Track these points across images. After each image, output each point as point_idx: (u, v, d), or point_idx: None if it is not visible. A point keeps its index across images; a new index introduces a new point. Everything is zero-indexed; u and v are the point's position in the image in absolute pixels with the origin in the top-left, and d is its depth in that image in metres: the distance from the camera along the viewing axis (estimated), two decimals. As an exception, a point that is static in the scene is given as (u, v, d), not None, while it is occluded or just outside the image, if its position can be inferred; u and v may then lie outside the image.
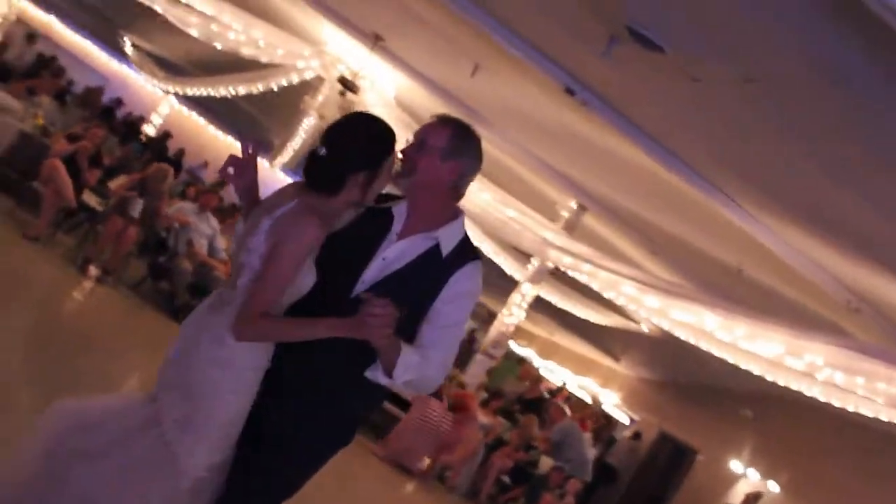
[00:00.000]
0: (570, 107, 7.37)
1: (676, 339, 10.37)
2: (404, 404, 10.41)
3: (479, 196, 9.82)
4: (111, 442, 2.83)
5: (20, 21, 23.06)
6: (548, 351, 24.88)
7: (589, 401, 21.86)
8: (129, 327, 9.43)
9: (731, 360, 7.75)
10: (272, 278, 2.85)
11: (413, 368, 3.00)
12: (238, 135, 23.04)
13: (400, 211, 3.18)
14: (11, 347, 6.72)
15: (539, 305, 17.41)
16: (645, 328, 14.99)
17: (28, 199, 10.51)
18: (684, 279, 10.19)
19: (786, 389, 8.20)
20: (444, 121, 3.20)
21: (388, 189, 3.29)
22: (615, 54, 5.04)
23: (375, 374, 3.02)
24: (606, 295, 9.70)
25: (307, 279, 2.92)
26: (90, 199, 10.83)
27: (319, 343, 2.91)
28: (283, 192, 3.03)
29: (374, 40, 10.31)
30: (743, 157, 5.95)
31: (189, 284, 10.73)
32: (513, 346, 24.76)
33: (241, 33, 11.17)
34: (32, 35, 20.24)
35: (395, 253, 3.10)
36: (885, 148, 4.56)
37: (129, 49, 20.00)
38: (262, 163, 3.32)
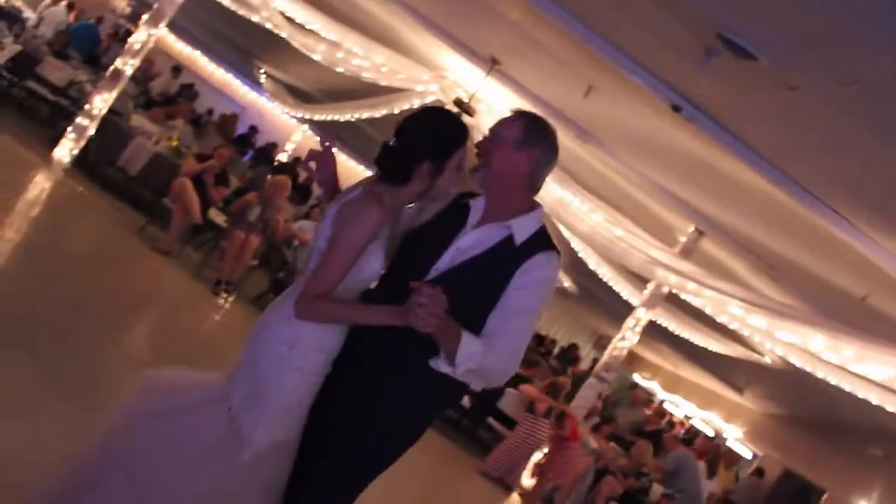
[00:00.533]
0: (679, 125, 7.32)
1: (800, 371, 10.06)
2: (510, 423, 10.45)
3: (589, 217, 9.81)
4: (183, 408, 3.01)
5: (167, 55, 24.45)
6: (672, 384, 24.42)
7: (711, 434, 21.34)
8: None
9: (847, 388, 7.46)
10: (332, 260, 2.98)
11: (477, 356, 2.97)
12: (319, 131, 23.46)
13: (477, 204, 3.26)
14: (138, 349, 7.16)
15: (660, 335, 17.16)
16: (768, 359, 14.55)
17: (159, 216, 11.13)
18: (804, 304, 9.90)
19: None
20: (516, 113, 3.30)
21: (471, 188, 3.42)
22: (713, 66, 5.02)
23: (437, 363, 3.03)
24: (719, 319, 9.52)
25: (373, 265, 3.05)
26: (216, 216, 11.37)
27: (388, 334, 2.97)
28: (358, 183, 3.18)
29: (491, 64, 10.49)
30: (851, 170, 5.79)
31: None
32: (636, 378, 24.45)
33: (363, 59, 11.55)
34: (177, 67, 21.37)
35: (468, 242, 3.15)
36: None
37: (263, 79, 20.86)
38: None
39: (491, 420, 11.94)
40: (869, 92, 4.25)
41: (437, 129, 3.15)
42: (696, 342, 14.89)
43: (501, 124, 3.26)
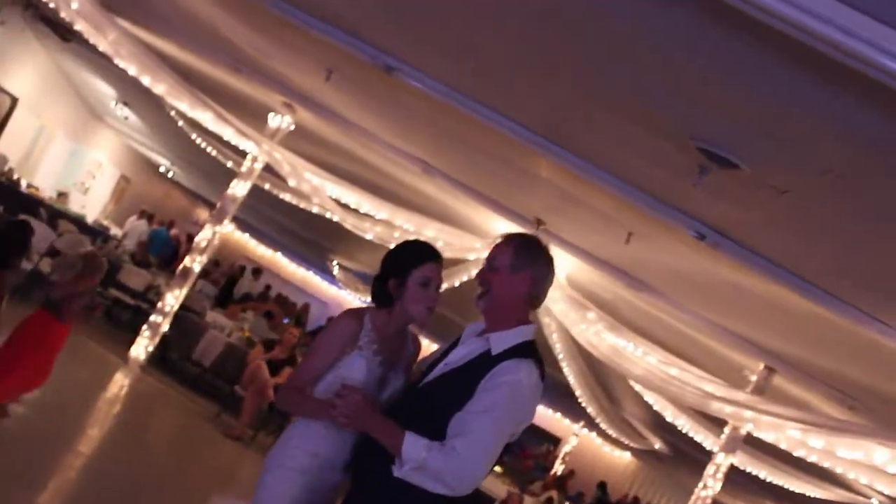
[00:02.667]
0: (710, 255, 7.41)
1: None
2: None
3: (643, 360, 9.78)
4: None
5: (249, 258, 25.64)
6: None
7: None
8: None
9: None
10: (307, 358, 3.40)
11: (421, 452, 2.98)
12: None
13: (471, 328, 3.41)
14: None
15: (756, 486, 16.44)
16: (875, 502, 13.78)
17: (231, 404, 11.48)
18: (887, 428, 9.52)
19: None
20: (507, 239, 3.42)
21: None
22: (710, 183, 5.18)
23: (394, 469, 3.03)
24: (795, 453, 9.20)
25: (356, 374, 3.27)
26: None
27: (372, 447, 3.13)
28: None
29: (537, 224, 10.80)
30: (867, 266, 5.77)
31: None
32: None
33: (416, 234, 12.01)
34: (257, 270, 22.39)
35: (454, 357, 3.29)
36: None
37: (336, 270, 21.64)
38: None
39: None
40: (851, 179, 4.35)
41: (398, 249, 3.47)
42: (790, 488, 14.24)
43: (495, 251, 3.39)
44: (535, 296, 3.35)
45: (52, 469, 6.59)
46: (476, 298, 3.36)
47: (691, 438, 14.07)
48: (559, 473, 20.73)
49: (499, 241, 3.44)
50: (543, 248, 3.42)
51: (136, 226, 18.28)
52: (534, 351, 3.28)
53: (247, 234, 27.12)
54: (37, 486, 5.98)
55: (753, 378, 10.84)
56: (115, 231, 18.91)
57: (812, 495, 14.28)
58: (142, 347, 11.52)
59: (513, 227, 11.32)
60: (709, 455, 13.83)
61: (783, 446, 9.43)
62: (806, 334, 9.18)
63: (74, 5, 9.07)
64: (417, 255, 3.41)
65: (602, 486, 21.40)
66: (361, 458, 3.25)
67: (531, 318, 3.40)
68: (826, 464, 9.38)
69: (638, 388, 12.41)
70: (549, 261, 3.40)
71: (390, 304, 3.39)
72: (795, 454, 9.40)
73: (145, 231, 17.96)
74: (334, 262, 21.51)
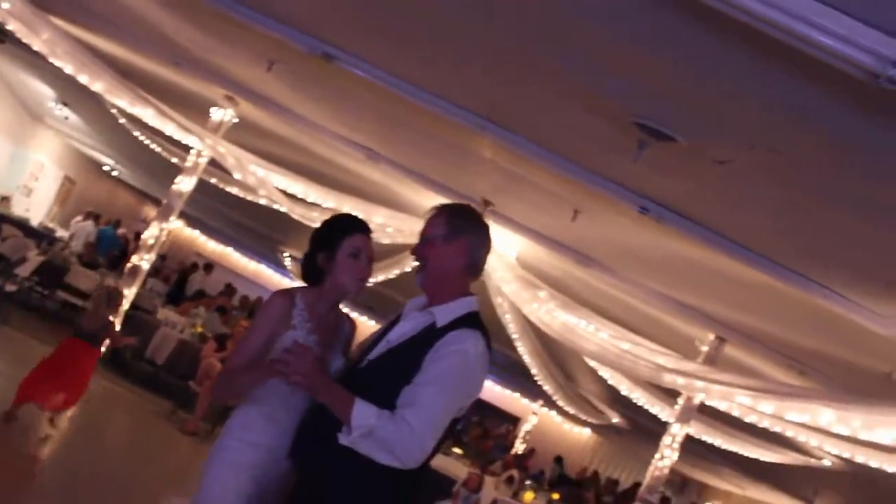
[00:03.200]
0: (654, 227, 7.52)
1: (862, 469, 9.79)
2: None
3: (596, 335, 9.90)
4: None
5: (199, 254, 25.42)
6: (744, 509, 23.57)
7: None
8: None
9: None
10: (239, 344, 3.34)
11: (370, 419, 2.93)
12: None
13: (412, 303, 3.35)
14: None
15: (715, 455, 16.74)
16: (827, 462, 14.11)
17: (186, 400, 11.43)
18: (834, 390, 9.76)
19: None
20: (438, 210, 3.37)
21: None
22: (649, 157, 5.26)
23: (340, 436, 2.99)
24: (747, 419, 9.39)
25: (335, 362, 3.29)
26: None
27: (314, 427, 3.14)
28: None
29: (484, 205, 10.85)
30: (814, 236, 5.91)
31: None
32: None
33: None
34: (209, 265, 22.21)
35: (396, 333, 3.24)
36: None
37: (288, 262, 21.54)
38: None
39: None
40: (793, 158, 4.44)
41: (326, 223, 3.46)
42: (746, 454, 14.52)
43: (427, 225, 3.34)
44: (473, 265, 3.29)
45: (8, 475, 6.49)
46: (416, 274, 3.31)
47: (647, 411, 14.27)
48: (519, 452, 20.90)
49: (431, 213, 3.38)
50: (476, 214, 3.38)
51: (82, 227, 18.02)
52: (479, 322, 3.24)
53: (197, 231, 26.88)
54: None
55: (704, 348, 11.02)
56: (61, 233, 18.63)
57: (766, 460, 14.59)
58: (94, 349, 11.39)
59: (461, 210, 11.36)
60: (665, 426, 14.07)
61: (736, 413, 9.62)
62: (754, 303, 9.36)
63: (6, 5, 8.90)
64: (345, 227, 3.41)
65: (558, 459, 21.62)
66: (303, 441, 3.20)
67: (472, 290, 3.35)
68: (777, 428, 9.59)
69: (593, 363, 12.55)
70: (483, 227, 3.35)
71: (321, 281, 3.38)
72: (747, 420, 9.60)
73: (92, 231, 17.71)
74: (286, 254, 21.40)
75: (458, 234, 3.25)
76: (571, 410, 20.42)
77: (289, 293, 3.38)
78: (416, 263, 3.33)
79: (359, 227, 3.42)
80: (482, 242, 3.33)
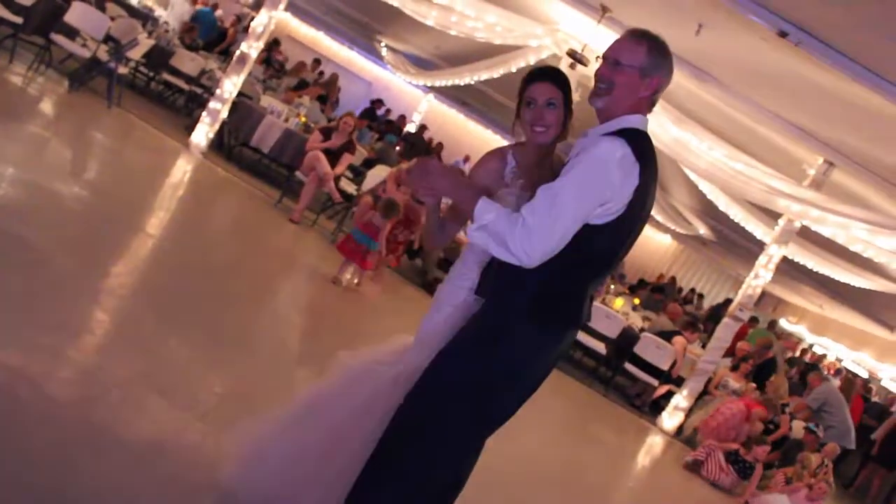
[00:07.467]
0: (790, 52, 7.25)
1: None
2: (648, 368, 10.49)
3: (709, 153, 9.75)
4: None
5: (292, 38, 25.21)
6: (820, 327, 23.80)
7: (865, 375, 20.71)
8: (387, 298, 10.26)
9: None
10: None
11: (490, 214, 2.92)
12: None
13: (593, 131, 3.15)
14: (284, 310, 7.71)
15: (802, 274, 16.77)
16: (918, 292, 14.07)
17: (292, 189, 11.71)
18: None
19: None
20: (637, 37, 3.11)
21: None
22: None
23: (468, 230, 3.02)
24: (852, 248, 9.35)
25: (510, 199, 3.30)
26: (347, 185, 11.82)
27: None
28: None
29: (602, 12, 10.52)
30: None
31: (440, 260, 11.54)
32: (783, 323, 23.90)
33: (476, 20, 11.75)
34: (318, 60, 22.05)
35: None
36: None
37: (384, 52, 21.28)
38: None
39: (629, 366, 12.03)
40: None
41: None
42: (837, 278, 14.53)
43: (623, 50, 3.08)
44: (652, 103, 3.15)
45: (121, 249, 6.62)
46: (591, 95, 3.12)
47: (738, 226, 14.25)
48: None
49: (629, 38, 3.12)
50: (670, 53, 3.15)
51: (176, 4, 17.75)
52: (633, 133, 3.03)
53: (288, 13, 26.50)
54: (105, 264, 6.01)
55: (811, 172, 10.82)
56: (158, 13, 18.52)
57: (857, 285, 14.59)
58: (202, 134, 11.63)
59: (576, 15, 11.04)
60: (755, 243, 14.06)
61: (840, 241, 9.56)
62: (868, 128, 9.11)
63: None
64: (526, 78, 3.39)
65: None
66: (485, 276, 3.33)
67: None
68: (883, 259, 9.50)
69: (693, 177, 12.43)
70: (672, 68, 3.16)
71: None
72: (851, 248, 9.54)
73: (188, 11, 17.51)
74: (382, 44, 21.13)
75: (655, 70, 3.07)
76: (659, 218, 20.44)
77: (499, 152, 3.43)
78: (600, 85, 3.12)
79: (537, 75, 3.38)
80: (668, 82, 3.16)
